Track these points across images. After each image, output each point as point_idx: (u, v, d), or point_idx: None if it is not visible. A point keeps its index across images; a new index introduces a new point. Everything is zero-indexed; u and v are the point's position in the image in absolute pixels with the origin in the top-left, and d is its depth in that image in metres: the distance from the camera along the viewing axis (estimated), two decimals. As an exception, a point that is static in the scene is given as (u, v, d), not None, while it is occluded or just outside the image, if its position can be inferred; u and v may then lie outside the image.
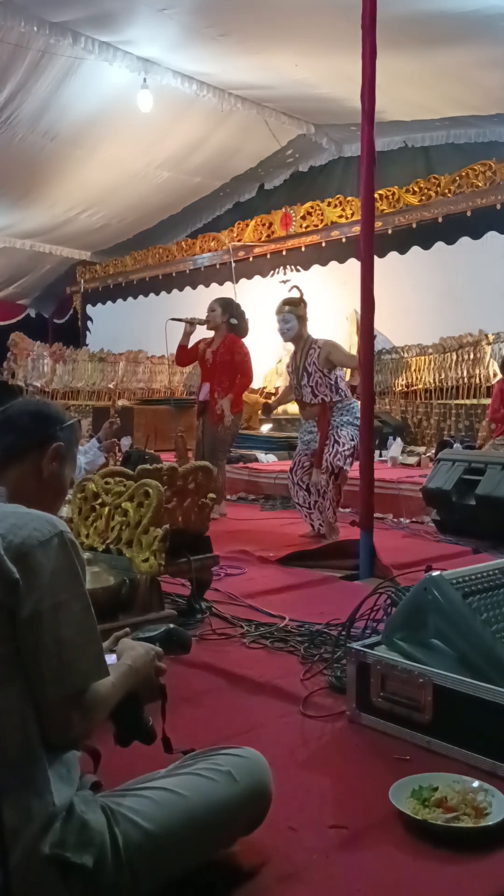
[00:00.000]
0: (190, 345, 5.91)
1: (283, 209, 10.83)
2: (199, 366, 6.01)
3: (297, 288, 5.20)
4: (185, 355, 5.98)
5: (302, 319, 4.98)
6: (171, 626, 1.66)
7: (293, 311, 4.98)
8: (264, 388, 10.59)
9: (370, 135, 3.85)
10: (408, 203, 9.30)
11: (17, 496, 1.44)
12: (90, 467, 4.22)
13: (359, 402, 4.91)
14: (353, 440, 4.76)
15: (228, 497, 6.47)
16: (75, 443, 1.60)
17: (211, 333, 5.90)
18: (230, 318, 5.83)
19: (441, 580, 2.16)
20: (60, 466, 1.53)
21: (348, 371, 8.92)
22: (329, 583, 3.91)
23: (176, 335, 5.90)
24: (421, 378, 8.98)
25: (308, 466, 4.96)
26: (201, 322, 5.87)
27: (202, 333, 5.97)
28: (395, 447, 7.81)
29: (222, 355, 5.73)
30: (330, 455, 4.78)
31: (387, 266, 8.54)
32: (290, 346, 5.27)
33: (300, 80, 8.83)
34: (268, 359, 10.31)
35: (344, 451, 4.78)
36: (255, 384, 10.56)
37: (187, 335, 5.89)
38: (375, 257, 4.01)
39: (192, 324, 5.87)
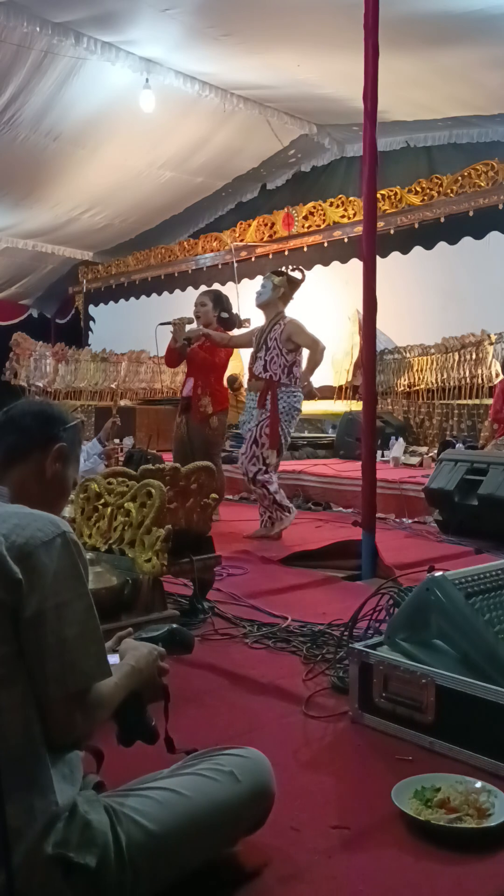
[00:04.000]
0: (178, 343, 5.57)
1: (286, 209, 10.80)
2: (187, 362, 5.67)
3: (301, 270, 5.19)
4: (175, 356, 5.62)
5: (278, 290, 5.02)
6: (174, 626, 1.66)
7: (272, 279, 5.06)
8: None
9: (372, 135, 3.85)
10: (410, 203, 9.28)
11: (20, 496, 1.44)
12: (90, 475, 4.21)
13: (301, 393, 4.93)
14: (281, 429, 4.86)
15: (230, 497, 6.42)
16: (78, 443, 1.61)
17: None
18: (221, 312, 5.60)
19: (443, 580, 2.16)
20: (63, 467, 1.53)
21: (349, 371, 8.84)
22: (331, 583, 3.91)
23: (168, 337, 5.65)
24: (423, 378, 8.96)
25: (251, 455, 4.95)
26: (189, 320, 5.58)
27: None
28: (398, 447, 7.80)
29: (209, 349, 5.47)
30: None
31: (389, 266, 8.54)
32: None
33: (302, 80, 8.82)
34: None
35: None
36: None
37: (176, 337, 5.59)
38: (378, 257, 4.01)
39: (180, 325, 5.51)
